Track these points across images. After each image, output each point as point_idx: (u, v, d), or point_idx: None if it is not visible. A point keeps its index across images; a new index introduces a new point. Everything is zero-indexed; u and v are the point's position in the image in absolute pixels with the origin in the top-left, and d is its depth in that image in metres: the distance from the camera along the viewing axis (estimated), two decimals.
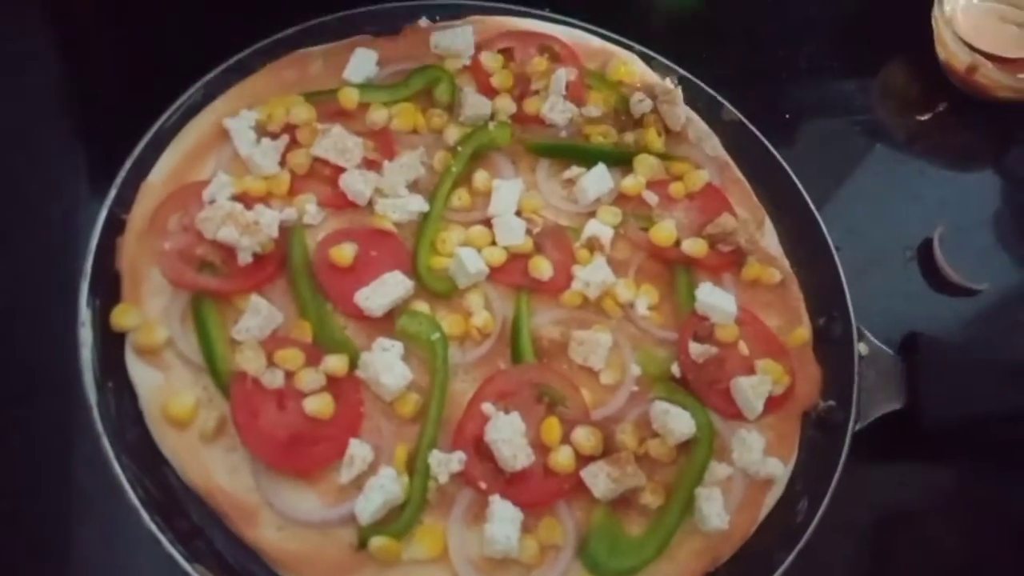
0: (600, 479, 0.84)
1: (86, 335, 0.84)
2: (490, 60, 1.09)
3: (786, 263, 1.05)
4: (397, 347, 0.88)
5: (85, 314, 0.85)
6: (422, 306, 0.92)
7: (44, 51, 1.13)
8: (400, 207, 0.96)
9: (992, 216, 1.26)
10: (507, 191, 0.99)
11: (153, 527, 0.77)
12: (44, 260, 0.95)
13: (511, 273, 0.96)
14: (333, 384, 0.85)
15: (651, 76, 1.14)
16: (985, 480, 1.03)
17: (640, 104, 1.09)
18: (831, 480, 0.90)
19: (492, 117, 1.05)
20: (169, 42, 1.12)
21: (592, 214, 1.02)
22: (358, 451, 0.83)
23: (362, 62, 1.05)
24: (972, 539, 1.01)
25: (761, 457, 0.90)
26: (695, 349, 0.94)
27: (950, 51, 1.30)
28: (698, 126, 1.12)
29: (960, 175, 1.31)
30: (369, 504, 0.80)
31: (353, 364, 0.87)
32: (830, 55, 1.36)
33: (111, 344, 0.85)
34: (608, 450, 0.87)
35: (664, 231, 1.01)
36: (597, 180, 1.03)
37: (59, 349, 0.84)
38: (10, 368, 0.90)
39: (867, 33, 1.40)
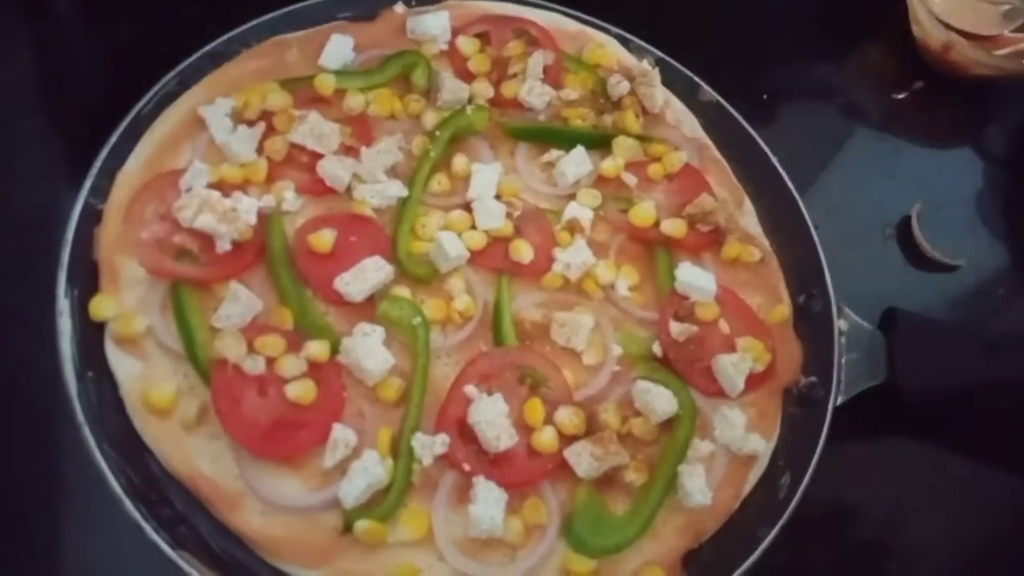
0: (583, 458, 0.85)
1: (65, 325, 0.83)
2: (467, 44, 1.09)
3: (765, 242, 1.06)
4: (378, 332, 0.88)
5: (63, 304, 0.84)
6: (403, 291, 0.92)
7: (17, 41, 1.12)
8: (379, 192, 0.96)
9: (969, 193, 1.27)
10: (486, 175, 0.99)
11: (137, 515, 0.76)
12: (21, 252, 0.94)
13: (492, 257, 0.96)
14: (315, 370, 0.85)
15: (628, 58, 1.14)
16: (965, 452, 1.04)
17: (618, 86, 1.09)
18: (813, 455, 0.91)
19: (470, 101, 1.05)
20: (144, 30, 1.11)
21: (572, 196, 1.03)
22: (341, 435, 0.83)
23: (338, 48, 1.04)
24: (953, 511, 1.02)
25: (743, 434, 0.91)
26: (676, 328, 0.95)
27: (925, 29, 1.30)
28: (676, 107, 1.13)
29: (937, 153, 1.32)
30: (353, 488, 0.80)
31: (335, 349, 0.87)
32: (806, 36, 1.37)
33: (90, 334, 0.84)
34: (591, 430, 0.87)
35: (643, 212, 1.01)
36: (576, 163, 1.03)
37: (38, 341, 0.83)
38: None
39: (842, 13, 1.40)
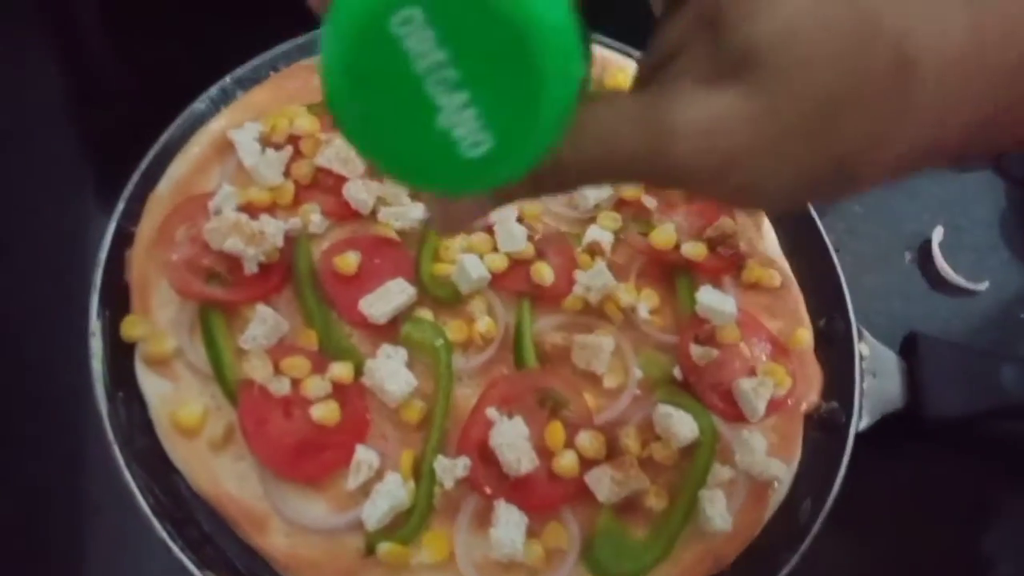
0: (604, 483, 0.85)
1: (96, 346, 0.85)
2: None
3: (786, 265, 1.06)
4: (401, 353, 0.89)
5: (95, 325, 0.86)
6: (426, 313, 0.93)
7: (49, 67, 1.14)
8: (403, 215, 0.98)
9: (992, 216, 1.26)
10: None
11: (164, 535, 0.78)
12: (54, 274, 0.96)
13: (513, 279, 0.97)
14: (339, 391, 0.87)
15: None
16: (989, 478, 1.04)
17: None
18: (834, 481, 0.91)
19: None
20: (174, 57, 1.13)
21: (592, 219, 1.03)
22: (364, 457, 0.84)
23: None
24: (977, 537, 1.01)
25: (764, 459, 0.91)
26: (696, 352, 0.95)
27: None
28: None
29: (959, 175, 1.31)
30: (376, 510, 0.81)
31: (358, 371, 0.88)
32: None
33: (121, 355, 0.86)
34: (611, 454, 0.88)
35: (664, 235, 1.02)
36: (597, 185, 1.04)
37: (70, 361, 0.85)
38: (22, 380, 0.91)
39: None
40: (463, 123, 0.37)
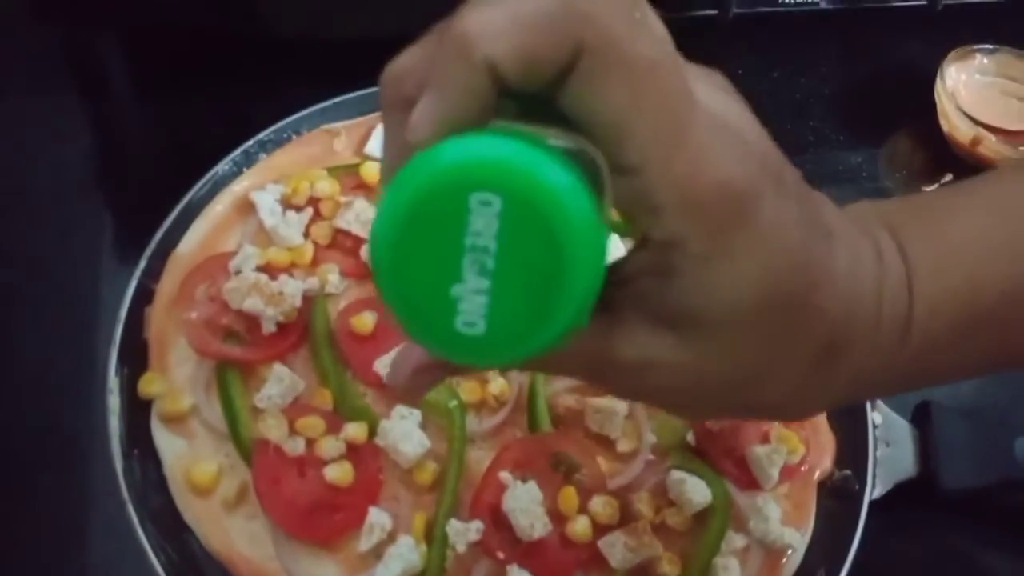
0: (617, 549, 0.85)
1: (114, 403, 0.86)
2: None
3: None
4: (415, 415, 0.89)
5: (113, 382, 0.87)
6: None
7: (76, 126, 1.18)
8: None
9: None
10: None
11: None
12: (74, 330, 0.98)
13: None
14: (352, 452, 0.87)
15: None
16: (1003, 547, 1.03)
17: None
18: (849, 549, 0.90)
19: None
20: (199, 119, 1.17)
21: None
22: (377, 519, 0.84)
23: (383, 137, 1.08)
24: None
25: (778, 526, 0.90)
26: None
27: (953, 124, 1.33)
28: None
29: None
30: (388, 573, 0.80)
31: (372, 432, 0.88)
32: (836, 128, 1.40)
33: (138, 412, 0.87)
34: (625, 519, 0.88)
35: None
36: None
37: (87, 417, 0.86)
38: (39, 435, 0.92)
39: (872, 106, 1.43)
40: (471, 302, 0.39)
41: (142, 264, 0.94)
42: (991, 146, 1.30)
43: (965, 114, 1.32)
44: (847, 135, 1.40)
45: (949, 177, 1.37)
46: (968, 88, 1.37)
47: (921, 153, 1.40)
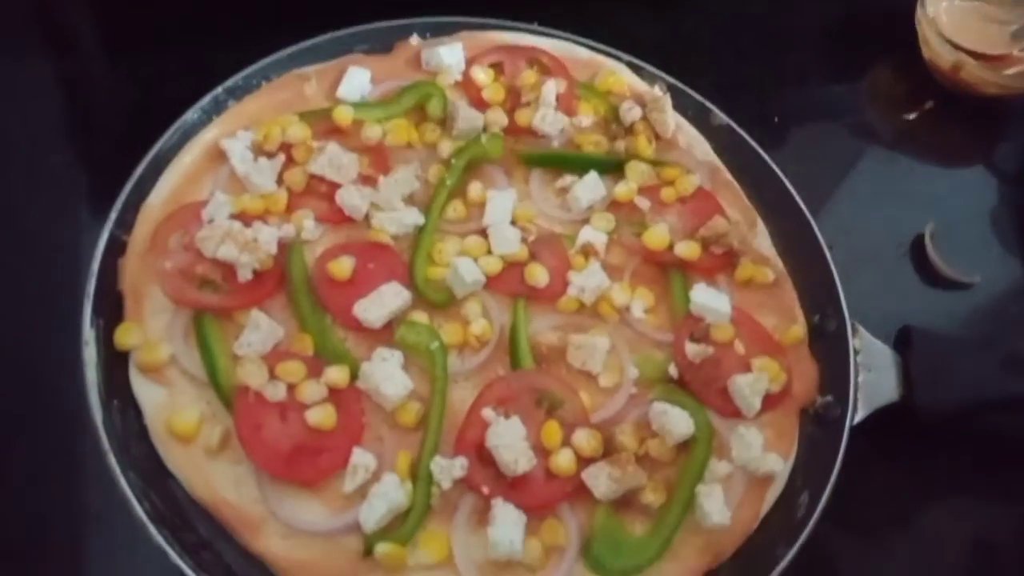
0: (601, 480, 0.85)
1: (90, 355, 0.85)
2: (481, 74, 1.11)
3: (779, 263, 1.07)
4: (397, 357, 0.89)
5: (89, 334, 0.86)
6: (420, 316, 0.93)
7: (47, 82, 1.15)
8: (396, 220, 0.98)
9: (982, 211, 1.27)
10: (501, 201, 1.01)
11: (161, 541, 0.77)
12: (47, 283, 0.97)
13: (508, 281, 0.97)
14: (335, 395, 0.87)
15: (640, 85, 1.16)
16: (983, 470, 1.04)
17: (630, 112, 1.11)
18: (831, 474, 0.91)
19: (484, 130, 1.07)
20: (166, 67, 1.14)
21: (586, 221, 1.04)
22: (361, 460, 0.84)
23: (355, 80, 1.07)
24: (973, 530, 1.01)
25: (760, 454, 0.91)
26: (691, 350, 0.95)
27: (935, 50, 1.32)
28: (688, 132, 1.14)
29: (949, 171, 1.32)
30: (373, 512, 0.81)
31: (354, 375, 0.88)
32: (816, 59, 1.39)
33: (115, 363, 0.86)
34: (608, 452, 0.88)
35: (657, 235, 1.02)
36: (590, 188, 1.04)
37: (65, 369, 0.85)
38: (16, 390, 0.91)
39: (852, 36, 1.42)
40: None
41: (113, 216, 0.92)
42: (972, 71, 1.28)
43: (946, 40, 1.30)
44: (828, 66, 1.38)
45: (931, 104, 1.35)
46: (949, 14, 1.35)
47: (903, 83, 1.39)
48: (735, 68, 1.33)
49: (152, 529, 0.78)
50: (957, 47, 1.30)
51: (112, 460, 0.80)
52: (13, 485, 0.87)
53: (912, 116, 1.36)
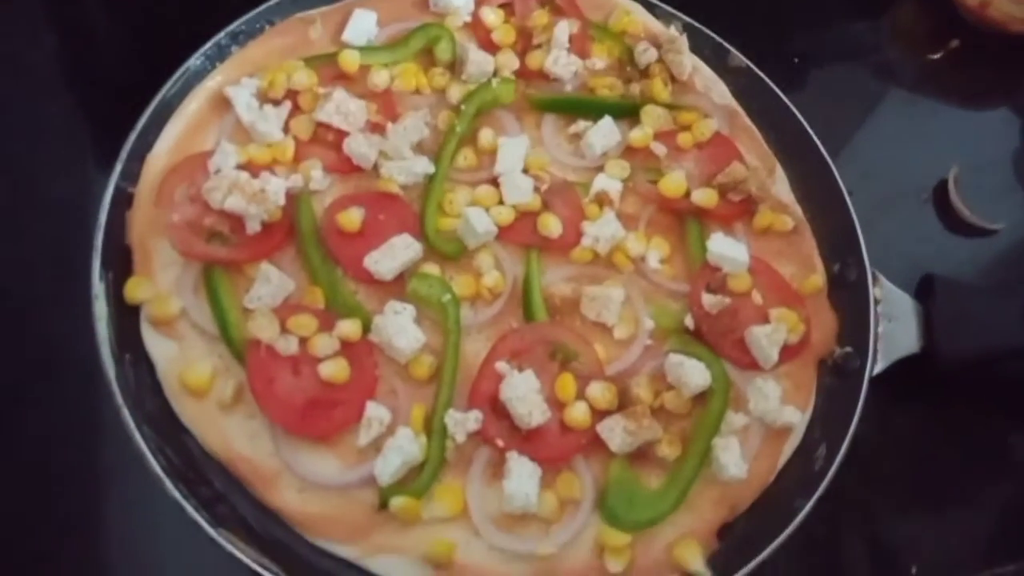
0: (616, 433, 0.85)
1: (100, 309, 0.84)
2: (491, 15, 1.07)
3: (798, 210, 1.04)
4: (409, 310, 0.88)
5: (98, 288, 0.85)
6: (432, 268, 0.92)
7: (42, 29, 1.12)
8: (406, 169, 0.96)
9: (1008, 155, 1.24)
10: (513, 148, 0.98)
11: (177, 494, 0.78)
12: (54, 238, 0.95)
13: (520, 232, 0.95)
14: (347, 348, 0.86)
15: (655, 25, 1.12)
16: (1005, 419, 1.03)
17: (645, 54, 1.07)
18: (849, 426, 0.90)
19: (495, 74, 1.04)
20: (166, 13, 1.11)
21: (600, 168, 1.01)
22: (375, 413, 0.83)
23: (361, 23, 1.03)
24: (994, 482, 1.01)
25: (778, 406, 0.90)
26: (708, 300, 0.94)
27: None
28: (705, 74, 1.10)
29: (974, 114, 1.29)
30: (388, 465, 0.81)
31: (366, 328, 0.87)
32: None
33: (126, 317, 0.85)
34: (623, 404, 0.87)
35: (673, 182, 1.00)
36: (604, 133, 1.02)
37: (75, 325, 0.84)
38: (27, 346, 0.91)
39: None
40: None
41: (118, 167, 0.90)
42: (1001, 7, 1.23)
43: None
44: (849, 4, 1.33)
45: (956, 43, 1.31)
46: None
47: (926, 20, 1.34)
48: (754, 5, 1.28)
49: (168, 483, 0.78)
50: None
51: (126, 414, 0.80)
52: (27, 441, 0.87)
53: (936, 56, 1.32)
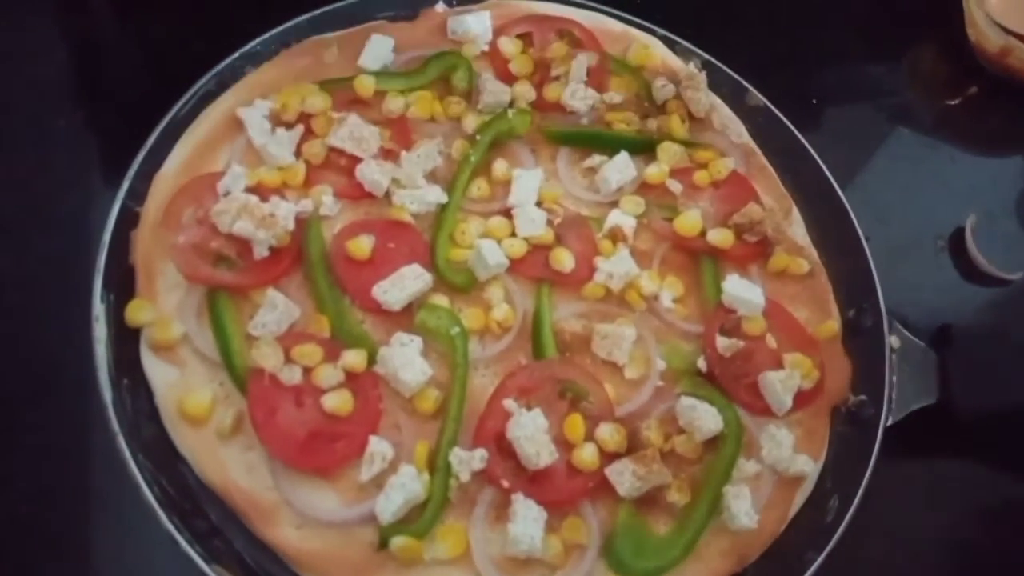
0: (625, 477, 0.82)
1: (100, 331, 0.82)
2: (509, 45, 1.06)
3: (814, 253, 1.03)
4: (416, 342, 0.86)
5: (99, 309, 0.83)
6: (441, 299, 0.90)
7: (55, 44, 1.11)
8: (418, 198, 0.94)
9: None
10: (527, 181, 0.97)
11: (170, 527, 0.75)
12: (57, 255, 0.93)
13: (532, 265, 0.94)
14: (351, 380, 0.84)
15: (674, 61, 1.11)
16: (1022, 474, 1.00)
17: (663, 90, 1.06)
18: (863, 477, 0.88)
19: (511, 104, 1.03)
20: (181, 32, 1.10)
21: (615, 204, 1.00)
22: (378, 448, 0.81)
23: (378, 49, 1.02)
24: (1009, 538, 0.98)
25: (790, 454, 0.88)
26: (722, 343, 0.92)
27: (982, 32, 1.26)
28: (723, 112, 1.09)
29: (991, 161, 1.27)
30: (390, 503, 0.78)
31: (372, 359, 0.85)
32: (857, 37, 1.33)
33: (126, 340, 0.83)
34: (633, 447, 0.85)
35: (689, 221, 0.98)
36: (620, 168, 1.00)
37: (73, 346, 0.82)
38: (25, 366, 0.88)
39: (894, 14, 1.36)
40: None
41: (125, 186, 0.89)
42: (1022, 56, 1.23)
43: (995, 22, 1.25)
44: (868, 46, 1.32)
45: (974, 90, 1.30)
46: None
47: (946, 65, 1.33)
48: (772, 45, 1.28)
49: (161, 515, 0.76)
50: (1006, 30, 1.24)
51: (121, 442, 0.78)
52: (20, 466, 0.85)
53: (955, 101, 1.31)
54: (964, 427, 0.94)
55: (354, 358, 0.84)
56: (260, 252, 0.87)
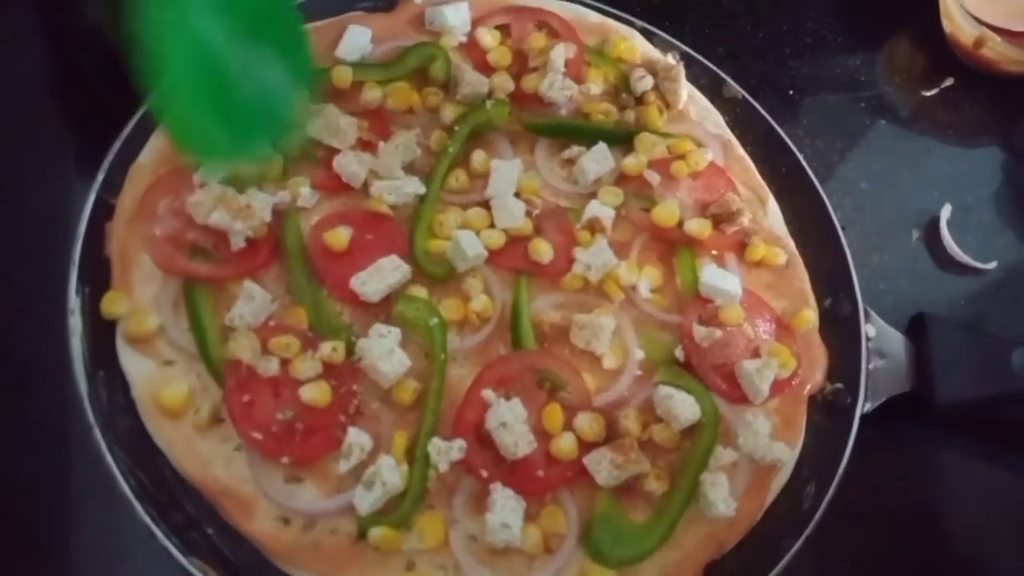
0: (603, 466, 0.83)
1: (76, 323, 0.81)
2: (487, 37, 1.06)
3: (791, 243, 1.03)
4: (395, 333, 0.86)
5: (74, 302, 0.82)
6: (420, 291, 0.90)
7: (28, 30, 1.10)
8: (396, 189, 0.94)
9: (1000, 193, 1.23)
10: (505, 172, 0.97)
11: (147, 519, 0.75)
12: (31, 247, 0.92)
13: (510, 256, 0.94)
14: (329, 371, 0.83)
15: (652, 52, 1.11)
16: (996, 463, 1.02)
17: (641, 81, 1.06)
18: (839, 465, 0.89)
19: (489, 95, 1.02)
20: None
21: (593, 195, 1.00)
22: (356, 440, 0.81)
23: (355, 39, 1.02)
24: (983, 523, 0.99)
25: (767, 442, 0.88)
26: (699, 332, 0.92)
27: (956, 24, 1.27)
28: (700, 103, 1.10)
29: (967, 151, 1.28)
30: (368, 494, 0.78)
31: (350, 351, 0.85)
32: (834, 29, 1.34)
33: (102, 333, 0.83)
34: (611, 436, 0.85)
35: (666, 211, 0.98)
36: (598, 160, 1.00)
37: (49, 339, 0.82)
38: None
39: (871, 6, 1.37)
40: None
41: (100, 177, 0.88)
42: (996, 48, 1.24)
43: (969, 14, 1.26)
44: (845, 37, 1.33)
45: (950, 81, 1.31)
46: None
47: (921, 56, 1.34)
48: (750, 37, 1.28)
49: (138, 507, 0.75)
50: (980, 22, 1.25)
51: (97, 434, 0.77)
52: None
53: (930, 92, 1.32)
54: (938, 415, 0.95)
55: (332, 349, 0.84)
56: (237, 243, 0.87)
